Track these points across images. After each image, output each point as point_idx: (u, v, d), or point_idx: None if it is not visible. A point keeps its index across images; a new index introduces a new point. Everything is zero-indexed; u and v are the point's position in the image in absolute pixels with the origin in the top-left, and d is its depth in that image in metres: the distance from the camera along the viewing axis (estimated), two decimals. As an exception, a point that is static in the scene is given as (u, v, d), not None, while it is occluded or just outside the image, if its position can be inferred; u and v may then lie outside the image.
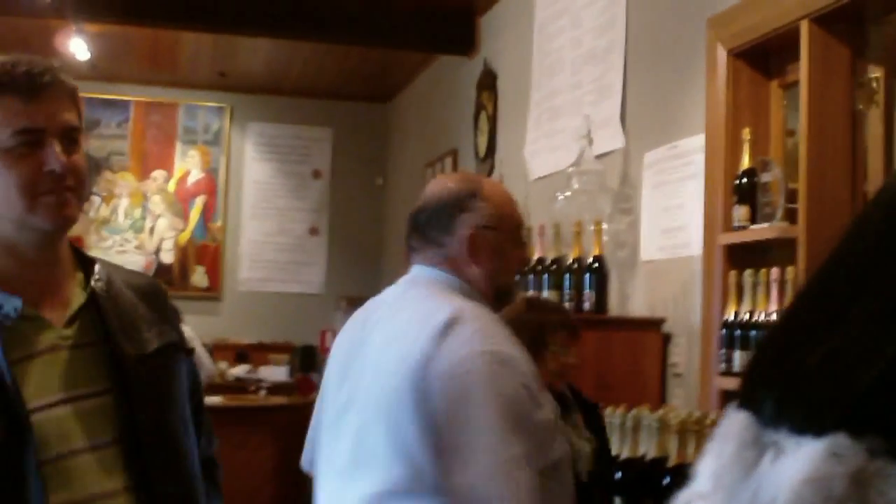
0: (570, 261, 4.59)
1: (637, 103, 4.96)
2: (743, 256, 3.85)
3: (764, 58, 3.99)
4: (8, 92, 1.90)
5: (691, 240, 4.28)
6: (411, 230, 2.52)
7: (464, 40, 7.71)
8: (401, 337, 2.33)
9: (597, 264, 4.51)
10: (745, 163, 3.82)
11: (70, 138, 1.94)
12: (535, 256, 4.72)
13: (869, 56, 3.57)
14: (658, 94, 4.73)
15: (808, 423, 0.99)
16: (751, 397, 1.11)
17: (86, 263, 2.07)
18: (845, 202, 3.55)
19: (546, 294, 4.61)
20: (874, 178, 3.51)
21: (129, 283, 2.12)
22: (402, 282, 2.54)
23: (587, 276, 4.52)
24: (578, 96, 5.57)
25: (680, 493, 1.24)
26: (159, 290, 2.23)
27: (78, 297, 2.00)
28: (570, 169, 5.01)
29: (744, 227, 3.79)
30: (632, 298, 4.87)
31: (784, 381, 1.06)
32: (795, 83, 3.72)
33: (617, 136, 5.05)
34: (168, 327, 2.13)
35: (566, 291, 4.55)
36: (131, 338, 2.00)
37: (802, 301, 1.16)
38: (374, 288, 2.93)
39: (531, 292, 4.57)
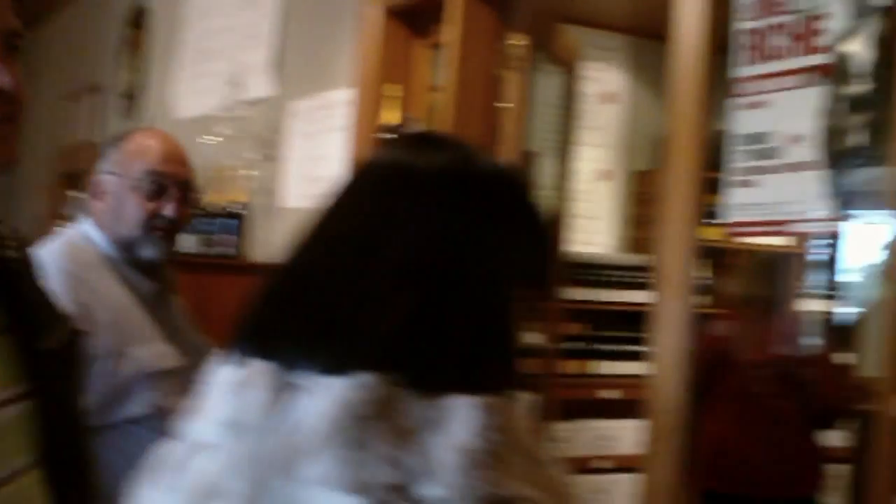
0: (215, 206, 4.57)
1: (289, 52, 4.97)
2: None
3: (415, 17, 4.09)
4: None
5: (335, 190, 4.35)
6: None
7: (114, -27, 7.47)
8: None
9: (241, 210, 4.52)
10: (390, 118, 3.92)
11: (11, 45, 1.43)
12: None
13: (514, 24, 3.73)
14: (309, 45, 4.76)
15: (336, 366, 1.18)
16: (267, 348, 1.26)
17: None
18: (483, 161, 3.70)
19: (191, 239, 4.57)
20: (508, 142, 3.69)
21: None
22: None
23: (231, 221, 4.52)
24: (230, 40, 5.52)
25: (163, 448, 1.34)
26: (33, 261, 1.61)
27: None
28: (218, 113, 4.97)
29: (386, 181, 3.89)
30: (276, 245, 4.90)
31: (309, 333, 1.24)
32: (442, 43, 3.84)
33: (266, 84, 5.04)
34: (61, 311, 1.58)
35: (210, 236, 4.53)
36: (44, 324, 1.48)
37: (304, 266, 1.31)
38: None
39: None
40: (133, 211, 2.54)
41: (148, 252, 2.58)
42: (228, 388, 1.26)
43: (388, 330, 1.19)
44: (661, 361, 2.86)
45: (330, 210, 1.31)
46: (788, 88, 2.59)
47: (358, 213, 1.29)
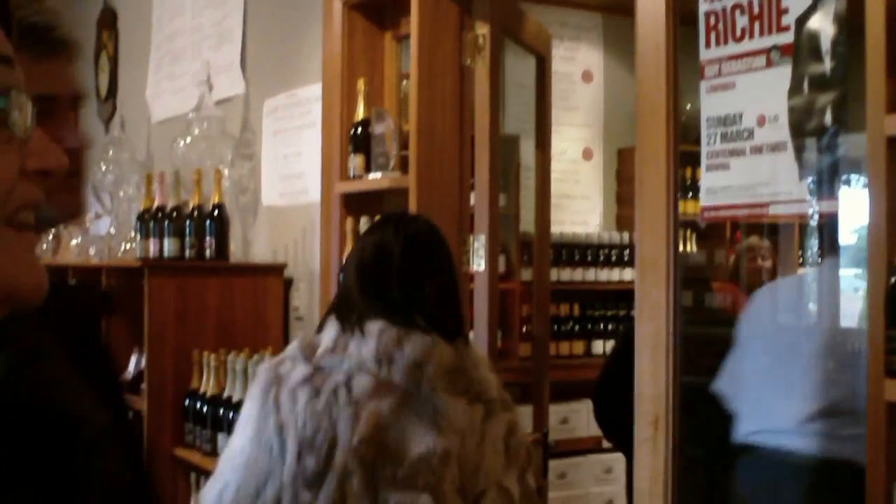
0: (191, 208, 4.52)
1: (257, 49, 4.92)
2: (359, 204, 3.92)
3: (378, 10, 4.04)
4: None
5: (310, 187, 4.31)
6: None
7: (83, -24, 7.40)
8: None
9: (217, 211, 4.46)
10: (361, 113, 3.88)
11: (75, 107, 1.44)
12: (156, 204, 4.62)
13: (476, 13, 3.69)
14: (278, 42, 4.71)
15: None
16: None
17: None
18: (453, 153, 3.68)
19: (167, 242, 4.53)
20: (480, 131, 3.65)
21: None
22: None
23: (208, 222, 4.47)
24: (199, 40, 5.47)
25: None
26: None
27: None
28: (191, 114, 4.92)
29: (359, 177, 3.85)
30: (254, 244, 4.87)
31: None
32: (408, 36, 3.79)
33: (237, 82, 5.00)
34: None
35: (187, 238, 4.48)
36: None
37: None
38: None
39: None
40: None
41: None
42: None
43: None
44: (644, 344, 2.83)
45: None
46: (755, 69, 2.56)
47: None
